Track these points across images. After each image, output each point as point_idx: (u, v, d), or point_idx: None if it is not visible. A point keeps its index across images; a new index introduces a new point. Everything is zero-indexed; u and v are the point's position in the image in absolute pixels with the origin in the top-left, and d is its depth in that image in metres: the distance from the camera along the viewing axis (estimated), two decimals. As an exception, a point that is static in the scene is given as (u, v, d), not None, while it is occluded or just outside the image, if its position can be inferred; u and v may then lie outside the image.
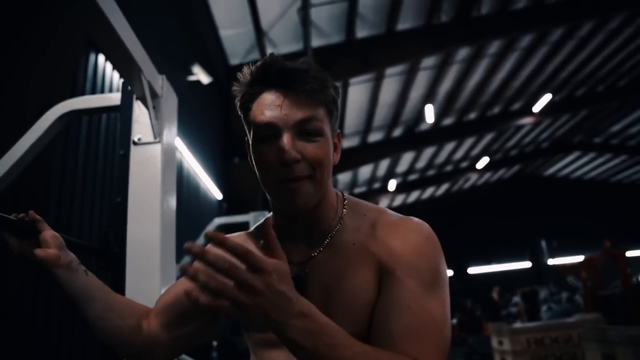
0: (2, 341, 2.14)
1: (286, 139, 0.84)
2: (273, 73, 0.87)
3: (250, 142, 0.92)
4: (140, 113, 1.40)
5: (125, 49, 1.27)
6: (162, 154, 1.40)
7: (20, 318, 2.32)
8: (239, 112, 0.94)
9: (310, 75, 0.86)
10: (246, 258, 0.66)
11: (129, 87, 1.45)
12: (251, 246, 0.91)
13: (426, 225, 0.94)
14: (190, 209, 5.82)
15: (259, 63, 0.90)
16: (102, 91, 3.27)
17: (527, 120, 14.68)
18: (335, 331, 0.74)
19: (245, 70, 0.91)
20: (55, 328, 2.59)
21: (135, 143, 1.36)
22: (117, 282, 1.27)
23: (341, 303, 0.88)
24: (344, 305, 0.87)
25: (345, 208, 0.99)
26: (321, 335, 0.72)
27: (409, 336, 0.80)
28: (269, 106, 0.86)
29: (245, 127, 0.94)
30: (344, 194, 1.03)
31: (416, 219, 0.95)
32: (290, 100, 0.85)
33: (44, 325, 2.50)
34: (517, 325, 4.73)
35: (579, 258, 10.57)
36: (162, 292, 1.29)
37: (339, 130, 0.99)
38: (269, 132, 0.86)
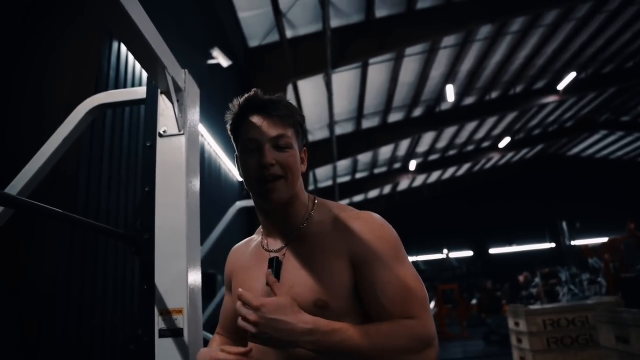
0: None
1: (265, 149, 1.13)
2: (255, 103, 1.19)
3: (239, 155, 1.21)
4: (164, 107, 1.47)
5: (149, 46, 1.33)
6: (186, 144, 1.48)
7: (55, 298, 2.46)
8: (230, 134, 1.24)
9: (281, 105, 1.19)
10: (242, 300, 0.98)
11: (153, 82, 1.53)
12: (251, 250, 1.29)
13: (378, 215, 1.19)
14: (212, 191, 5.95)
15: (245, 96, 1.20)
16: (126, 78, 3.36)
17: (551, 99, 14.41)
18: (340, 328, 1.00)
19: (235, 101, 1.22)
20: (89, 306, 2.75)
21: (160, 135, 1.44)
22: (147, 265, 1.36)
23: (309, 278, 1.10)
24: (311, 279, 1.10)
25: (314, 206, 1.23)
26: (331, 337, 0.98)
27: (398, 303, 1.06)
28: (253, 126, 1.17)
29: (234, 145, 1.24)
30: (316, 198, 1.27)
31: (371, 212, 1.19)
32: (267, 122, 1.16)
33: (78, 304, 2.64)
34: (534, 306, 4.77)
35: (602, 239, 10.46)
36: (188, 274, 1.40)
37: (305, 147, 1.27)
38: (253, 145, 1.15)
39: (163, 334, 1.25)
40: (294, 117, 1.21)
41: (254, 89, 1.22)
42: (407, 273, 1.10)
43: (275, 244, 1.22)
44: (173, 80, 1.46)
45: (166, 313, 1.26)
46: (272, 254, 1.19)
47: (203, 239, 3.49)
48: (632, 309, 2.74)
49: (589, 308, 4.03)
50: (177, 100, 1.50)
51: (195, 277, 1.43)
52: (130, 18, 1.14)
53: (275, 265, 1.14)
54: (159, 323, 1.26)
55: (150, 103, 1.51)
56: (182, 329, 1.25)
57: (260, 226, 1.33)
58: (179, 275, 1.34)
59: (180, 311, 1.26)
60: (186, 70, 1.60)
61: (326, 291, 1.08)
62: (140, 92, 1.60)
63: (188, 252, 1.39)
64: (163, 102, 1.51)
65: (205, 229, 1.93)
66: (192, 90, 1.61)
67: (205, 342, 1.47)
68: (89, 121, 1.54)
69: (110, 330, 2.93)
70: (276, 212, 1.20)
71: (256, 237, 1.34)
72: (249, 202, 4.49)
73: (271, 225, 1.23)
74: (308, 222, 1.20)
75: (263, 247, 1.25)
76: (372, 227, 1.14)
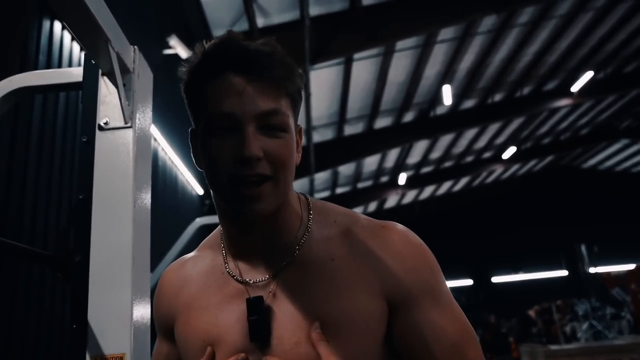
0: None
1: (248, 133, 0.84)
2: (233, 54, 0.87)
3: (200, 134, 0.91)
4: (107, 92, 1.36)
5: (89, 13, 1.22)
6: (134, 141, 1.37)
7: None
8: (184, 97, 0.95)
9: (276, 60, 0.87)
10: None
11: (93, 61, 1.42)
12: (204, 278, 1.01)
13: (411, 231, 0.98)
14: (167, 206, 5.82)
15: (215, 40, 0.90)
16: (60, 65, 3.23)
17: (564, 102, 14.69)
18: None
19: (198, 47, 0.92)
20: (3, 352, 2.58)
21: (101, 128, 1.33)
22: (79, 296, 1.23)
23: (330, 333, 0.86)
24: (330, 335, 0.86)
25: (311, 214, 0.99)
26: None
27: (461, 350, 0.88)
28: (228, 93, 0.85)
29: (191, 116, 0.95)
30: (308, 197, 1.04)
31: (400, 225, 0.98)
32: (252, 88, 0.85)
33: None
34: (554, 346, 4.73)
35: (627, 266, 10.59)
36: (134, 308, 1.26)
37: (300, 126, 1.00)
38: (226, 124, 0.85)
39: (99, 388, 1.12)
40: (292, 79, 0.90)
41: (230, 29, 0.92)
42: (457, 309, 0.93)
43: (254, 273, 0.96)
44: (119, 57, 1.34)
45: (103, 361, 1.13)
46: (251, 290, 0.92)
47: (154, 264, 3.35)
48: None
49: (622, 350, 3.99)
50: (124, 85, 1.38)
51: (142, 312, 1.30)
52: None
53: (261, 313, 0.88)
54: (92, 374, 1.13)
55: (88, 87, 1.39)
56: (123, 382, 1.12)
57: (210, 238, 1.09)
58: (120, 310, 1.21)
59: (121, 358, 1.14)
60: (136, 47, 1.48)
61: (349, 351, 0.85)
62: (76, 74, 1.48)
63: (134, 279, 1.26)
64: (105, 86, 1.39)
65: (156, 252, 1.81)
66: (144, 73, 1.49)
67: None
68: (6, 108, 1.41)
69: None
70: (257, 227, 0.93)
71: (207, 257, 1.06)
72: (212, 219, 4.38)
73: (247, 245, 0.97)
74: (306, 240, 0.94)
75: (231, 275, 0.97)
76: (412, 250, 0.93)
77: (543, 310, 12.23)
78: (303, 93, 0.97)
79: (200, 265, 1.05)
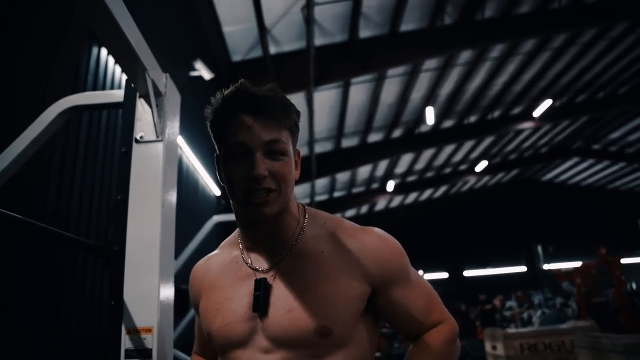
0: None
1: (256, 158, 0.96)
2: (244, 99, 0.98)
3: (222, 159, 1.02)
4: (143, 111, 1.40)
5: (130, 47, 1.27)
6: (164, 152, 1.40)
7: (17, 312, 2.32)
8: (210, 131, 1.05)
9: (276, 102, 0.99)
10: None
11: (132, 85, 1.46)
12: (224, 268, 1.11)
13: (383, 231, 1.08)
14: (188, 205, 5.82)
15: (230, 89, 1.01)
16: (104, 85, 3.25)
17: (527, 125, 14.70)
18: None
19: (218, 94, 1.02)
20: (52, 322, 2.60)
21: (137, 141, 1.36)
22: (116, 279, 1.27)
23: (313, 303, 0.96)
24: (316, 305, 0.96)
25: (306, 218, 1.09)
26: None
27: (429, 313, 1.05)
28: (241, 128, 0.97)
29: (215, 145, 1.05)
30: (305, 206, 1.13)
31: (376, 229, 1.08)
32: (259, 124, 0.97)
33: (41, 319, 2.50)
34: (511, 330, 4.74)
35: (575, 264, 10.60)
36: (160, 289, 1.30)
37: (299, 150, 1.10)
38: (241, 150, 0.97)
39: (130, 354, 1.15)
40: (290, 116, 1.02)
41: (242, 80, 1.02)
42: (422, 282, 1.09)
43: (261, 262, 1.06)
44: (153, 83, 1.38)
45: (134, 332, 1.17)
46: (259, 274, 1.03)
47: (177, 254, 3.37)
48: (610, 334, 2.72)
49: (565, 332, 4.02)
50: (157, 105, 1.43)
51: (167, 293, 1.34)
52: (111, 14, 1.07)
53: (263, 289, 0.99)
54: (125, 343, 1.16)
55: (127, 107, 1.43)
56: (150, 349, 1.16)
57: (229, 239, 1.19)
58: (150, 290, 1.25)
59: (149, 330, 1.17)
60: (167, 74, 1.52)
61: (331, 317, 0.95)
62: (117, 95, 1.52)
63: (161, 265, 1.30)
64: (141, 106, 1.44)
65: (179, 244, 1.84)
66: (173, 96, 1.54)
67: (176, 364, 1.37)
68: (61, 123, 1.45)
69: (75, 350, 2.77)
70: (263, 225, 1.04)
71: (226, 252, 1.16)
72: (227, 217, 4.40)
73: (256, 240, 1.07)
74: (301, 238, 1.05)
75: (246, 264, 1.07)
76: (388, 244, 1.05)
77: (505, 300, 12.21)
78: (305, 118, 1.08)
79: (220, 258, 1.14)
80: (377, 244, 1.03)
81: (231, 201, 1.04)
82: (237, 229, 1.15)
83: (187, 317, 4.18)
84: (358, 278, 0.99)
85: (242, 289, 1.03)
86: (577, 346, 2.98)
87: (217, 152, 1.05)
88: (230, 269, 1.09)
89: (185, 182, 5.83)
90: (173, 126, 1.52)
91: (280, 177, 0.98)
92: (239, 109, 0.98)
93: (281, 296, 0.99)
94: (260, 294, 0.98)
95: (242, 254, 1.10)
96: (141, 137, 1.39)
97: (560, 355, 3.99)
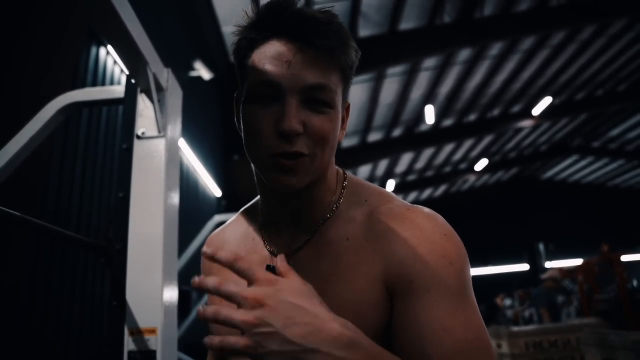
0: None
1: (290, 105, 0.67)
2: (286, 17, 0.69)
3: (242, 99, 0.74)
4: (144, 106, 1.36)
5: (132, 40, 1.24)
6: (166, 149, 1.37)
7: (18, 313, 2.28)
8: (233, 59, 0.76)
9: (332, 29, 0.69)
10: (223, 293, 0.56)
11: (133, 80, 1.42)
12: (243, 241, 0.88)
13: (440, 217, 0.74)
14: (189, 205, 5.78)
15: (268, 2, 0.71)
16: (103, 84, 3.22)
17: (527, 123, 14.67)
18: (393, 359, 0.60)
19: (251, 9, 0.74)
20: (53, 323, 2.56)
21: (138, 137, 1.33)
22: (118, 278, 1.23)
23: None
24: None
25: (343, 191, 0.81)
26: None
27: None
28: (274, 59, 0.68)
29: (238, 79, 0.77)
30: (346, 174, 0.86)
31: (427, 210, 0.76)
32: (302, 57, 0.67)
33: (41, 319, 2.46)
34: (516, 328, 4.71)
35: (576, 261, 10.56)
36: (164, 289, 1.26)
37: (349, 102, 0.82)
38: (269, 92, 0.69)
39: (133, 356, 1.11)
40: (347, 52, 0.72)
41: None
42: (474, 318, 0.66)
43: (279, 244, 0.82)
44: (155, 78, 1.35)
45: (137, 333, 1.13)
46: (275, 260, 0.70)
47: (180, 253, 3.33)
48: (619, 331, 2.69)
49: (572, 330, 3.99)
50: (159, 101, 1.39)
51: (171, 293, 1.30)
52: (113, 7, 1.04)
53: None
54: (128, 344, 1.12)
55: (128, 102, 1.40)
56: (154, 351, 1.12)
57: (251, 205, 0.95)
58: (153, 290, 1.21)
59: (153, 331, 1.13)
60: (169, 69, 1.49)
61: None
62: (118, 90, 1.48)
63: (164, 265, 1.26)
64: (143, 101, 1.40)
65: (180, 245, 1.80)
66: (175, 91, 1.50)
67: (181, 365, 1.33)
68: (60, 120, 1.41)
69: (76, 352, 2.73)
70: (288, 198, 0.78)
71: (244, 223, 0.92)
72: (228, 217, 4.37)
73: (278, 215, 0.83)
74: (331, 217, 0.78)
75: (263, 243, 0.84)
76: (429, 236, 0.70)
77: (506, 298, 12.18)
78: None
79: (237, 230, 0.93)
80: (417, 231, 0.70)
81: (249, 158, 0.76)
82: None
83: (189, 318, 4.15)
84: (375, 277, 0.71)
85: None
86: (585, 343, 2.95)
87: (239, 87, 0.78)
88: (244, 247, 0.87)
89: (186, 183, 5.79)
90: (175, 122, 1.48)
91: (318, 137, 0.69)
92: (276, 32, 0.70)
93: None
94: None
95: (261, 229, 0.86)
96: (143, 133, 1.35)
97: (566, 353, 3.95)
